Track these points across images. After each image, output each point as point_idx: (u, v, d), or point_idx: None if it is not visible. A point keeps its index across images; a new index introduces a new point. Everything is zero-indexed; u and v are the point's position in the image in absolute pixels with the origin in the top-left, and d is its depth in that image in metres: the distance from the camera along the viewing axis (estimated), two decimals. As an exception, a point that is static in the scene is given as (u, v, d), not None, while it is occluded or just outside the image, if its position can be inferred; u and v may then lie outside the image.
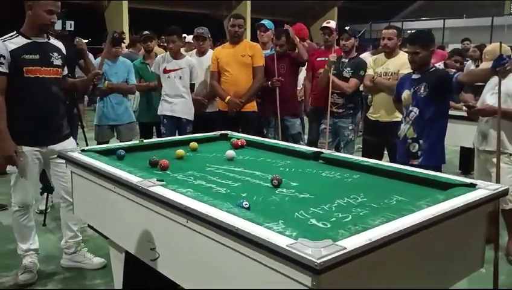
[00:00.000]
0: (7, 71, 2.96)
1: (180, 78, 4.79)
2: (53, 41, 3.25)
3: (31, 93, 3.04)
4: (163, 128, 4.87)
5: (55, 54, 3.19)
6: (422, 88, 3.42)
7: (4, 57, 2.94)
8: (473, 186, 2.10)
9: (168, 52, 4.93)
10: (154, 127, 5.42)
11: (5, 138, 2.96)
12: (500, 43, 3.28)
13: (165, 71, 4.84)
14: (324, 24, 5.15)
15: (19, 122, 3.03)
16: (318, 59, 5.09)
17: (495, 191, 2.04)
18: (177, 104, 4.78)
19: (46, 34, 3.19)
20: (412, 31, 4.41)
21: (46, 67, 3.10)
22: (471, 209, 1.88)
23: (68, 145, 3.21)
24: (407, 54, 3.64)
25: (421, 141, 3.44)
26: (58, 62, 3.19)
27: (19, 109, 3.03)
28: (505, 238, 3.77)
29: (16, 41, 3.02)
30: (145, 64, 5.33)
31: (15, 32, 3.07)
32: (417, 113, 3.44)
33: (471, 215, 1.92)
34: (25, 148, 3.08)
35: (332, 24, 5.13)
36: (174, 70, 4.81)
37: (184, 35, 10.29)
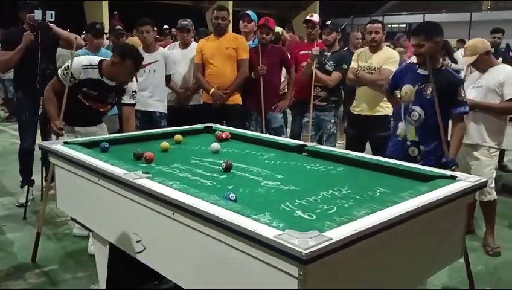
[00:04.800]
0: (66, 85, 3.39)
1: (155, 71, 4.75)
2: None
3: (75, 108, 3.46)
4: (138, 122, 4.84)
5: (113, 94, 3.55)
6: (430, 89, 3.15)
7: (75, 79, 3.40)
8: (453, 178, 2.15)
9: (142, 47, 4.88)
10: None
11: (52, 118, 3.43)
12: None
13: (141, 66, 4.78)
14: (307, 17, 5.16)
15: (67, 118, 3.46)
16: (301, 52, 5.10)
17: (475, 183, 2.09)
18: (151, 98, 4.74)
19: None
20: (399, 25, 4.37)
21: (98, 103, 3.53)
22: (452, 200, 1.93)
23: (96, 129, 3.65)
24: (390, 49, 3.65)
25: (422, 146, 3.23)
26: (110, 100, 3.59)
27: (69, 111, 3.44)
28: (483, 230, 3.87)
29: (91, 73, 3.42)
30: None
31: (98, 63, 3.45)
32: (422, 115, 3.20)
33: (452, 207, 1.97)
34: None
35: (316, 17, 5.14)
36: (148, 64, 4.75)
37: (165, 26, 10.24)
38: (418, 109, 3.21)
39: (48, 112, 3.50)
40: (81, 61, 3.45)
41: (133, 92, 3.65)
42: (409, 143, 3.28)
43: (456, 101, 3.12)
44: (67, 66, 3.42)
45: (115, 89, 3.52)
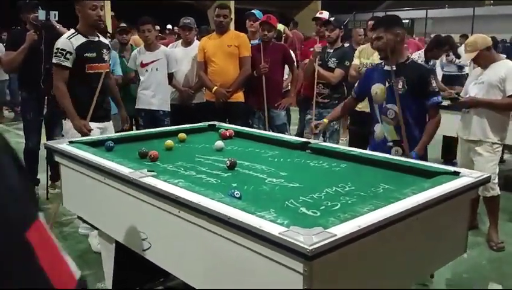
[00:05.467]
0: (70, 66, 3.47)
1: (157, 69, 4.77)
2: (102, 38, 3.73)
3: (90, 84, 3.53)
4: (141, 120, 4.88)
5: (105, 51, 3.68)
6: (401, 83, 3.02)
7: (71, 53, 3.46)
8: (456, 174, 2.16)
9: (143, 45, 4.90)
10: (133, 120, 5.40)
11: (74, 116, 3.48)
12: None
13: (142, 65, 4.79)
14: (317, 15, 5.18)
15: (83, 104, 3.51)
16: (311, 49, 5.12)
17: (478, 179, 2.11)
18: (154, 96, 4.77)
19: (97, 33, 3.68)
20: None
21: (101, 63, 3.61)
22: (455, 196, 1.94)
23: (109, 124, 3.78)
24: None
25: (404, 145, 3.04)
26: (107, 58, 3.70)
27: (82, 94, 3.52)
28: (486, 225, 3.87)
29: (77, 39, 3.50)
30: (121, 58, 5.28)
31: (74, 31, 3.55)
32: (398, 112, 3.03)
33: (455, 202, 1.98)
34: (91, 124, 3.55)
35: (325, 14, 5.17)
36: (151, 62, 4.77)
37: (169, 26, 10.25)
38: (393, 106, 3.05)
39: (66, 109, 3.51)
40: (62, 37, 3.56)
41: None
42: (391, 144, 3.11)
43: (428, 92, 2.99)
44: (57, 48, 3.48)
45: (102, 44, 3.66)
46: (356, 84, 3.39)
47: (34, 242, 0.48)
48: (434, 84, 3.04)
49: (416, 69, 3.08)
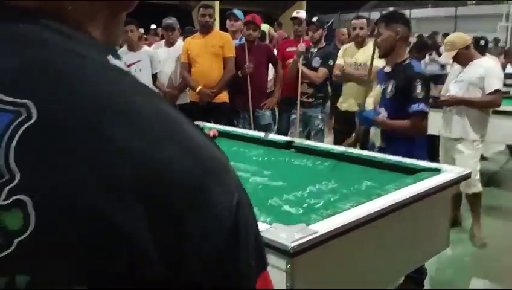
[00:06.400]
0: None
1: (141, 70, 4.74)
2: None
3: None
4: None
5: None
6: (390, 86, 2.81)
7: None
8: (438, 170, 2.19)
9: (126, 46, 4.87)
10: None
11: None
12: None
13: (126, 66, 4.76)
14: (294, 14, 5.19)
15: None
16: (288, 49, 5.12)
17: (459, 175, 2.13)
18: None
19: None
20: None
21: None
22: (436, 192, 1.97)
23: None
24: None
25: (387, 153, 2.69)
26: None
27: None
28: (469, 221, 3.92)
29: None
30: None
31: None
32: (385, 117, 2.85)
33: (436, 198, 2.01)
34: None
35: (302, 14, 5.17)
36: (133, 63, 4.74)
37: (153, 26, 10.19)
38: (382, 110, 2.87)
39: None
40: None
41: None
42: (376, 150, 2.95)
43: (410, 98, 2.73)
44: None
45: None
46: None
47: None
48: (419, 90, 2.75)
49: (407, 70, 2.81)
